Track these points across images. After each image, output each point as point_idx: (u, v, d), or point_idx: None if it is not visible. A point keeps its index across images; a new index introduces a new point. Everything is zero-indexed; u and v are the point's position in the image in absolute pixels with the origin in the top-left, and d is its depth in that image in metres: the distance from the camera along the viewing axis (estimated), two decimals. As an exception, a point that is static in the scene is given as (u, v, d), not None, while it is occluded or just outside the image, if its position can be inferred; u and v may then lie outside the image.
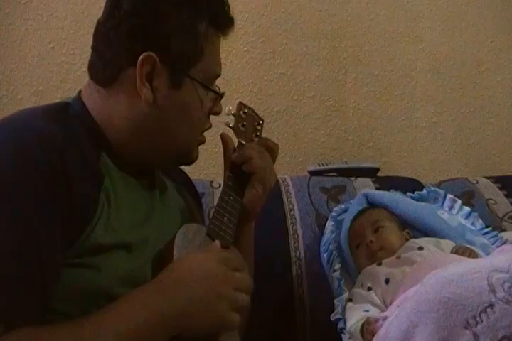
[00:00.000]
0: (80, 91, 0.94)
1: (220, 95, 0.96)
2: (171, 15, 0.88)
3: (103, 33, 0.90)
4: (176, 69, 0.89)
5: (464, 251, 1.17)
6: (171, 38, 0.88)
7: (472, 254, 1.16)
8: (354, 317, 1.12)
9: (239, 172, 1.03)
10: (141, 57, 0.86)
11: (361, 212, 1.31)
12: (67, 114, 0.89)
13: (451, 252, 1.17)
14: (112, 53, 0.89)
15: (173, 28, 0.88)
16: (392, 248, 1.19)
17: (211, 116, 0.99)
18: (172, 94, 0.90)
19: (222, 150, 1.08)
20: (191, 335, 0.81)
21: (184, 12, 0.89)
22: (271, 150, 1.06)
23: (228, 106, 1.06)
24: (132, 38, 0.88)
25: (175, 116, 0.91)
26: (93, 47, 0.92)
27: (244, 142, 1.05)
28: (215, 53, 0.95)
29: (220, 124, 1.07)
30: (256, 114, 1.10)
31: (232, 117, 1.06)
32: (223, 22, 0.94)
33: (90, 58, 0.93)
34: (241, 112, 1.07)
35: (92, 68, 0.92)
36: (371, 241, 1.21)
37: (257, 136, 1.09)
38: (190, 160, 0.99)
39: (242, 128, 1.06)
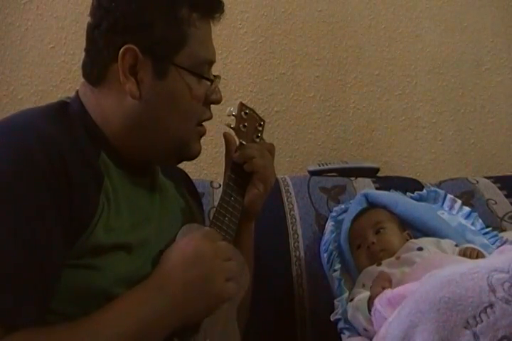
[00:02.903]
0: (77, 91, 0.94)
1: (210, 80, 0.94)
2: (147, 4, 0.88)
3: (89, 34, 0.91)
4: (158, 58, 0.88)
5: (471, 252, 1.16)
6: (150, 27, 0.87)
7: (480, 255, 1.15)
8: (361, 294, 1.13)
9: (240, 173, 1.03)
10: (121, 50, 0.86)
11: (361, 212, 1.30)
12: (67, 114, 0.89)
13: (459, 254, 1.16)
14: (96, 51, 0.90)
15: (151, 17, 0.87)
16: (393, 249, 1.19)
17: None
18: (157, 84, 0.88)
19: (222, 150, 1.08)
20: (197, 320, 0.83)
21: (161, 0, 0.88)
22: (269, 151, 1.06)
23: (229, 107, 1.06)
24: (112, 33, 0.87)
25: (164, 107, 0.90)
26: (85, 49, 0.93)
27: (245, 143, 1.05)
28: (202, 38, 0.92)
29: (221, 125, 1.07)
30: (257, 114, 1.10)
31: (233, 118, 1.06)
32: (206, 5, 0.92)
33: (83, 59, 0.93)
34: (242, 113, 1.07)
35: (83, 68, 0.93)
36: (373, 243, 1.21)
37: (258, 136, 1.09)
38: (192, 154, 0.97)
39: (243, 129, 1.06)
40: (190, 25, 0.90)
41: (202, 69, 0.93)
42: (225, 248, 0.89)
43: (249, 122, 1.07)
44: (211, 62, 0.95)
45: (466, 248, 1.19)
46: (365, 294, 1.11)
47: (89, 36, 0.91)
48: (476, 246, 1.21)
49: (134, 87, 0.87)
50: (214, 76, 0.97)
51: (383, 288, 1.04)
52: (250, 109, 1.09)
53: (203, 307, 0.83)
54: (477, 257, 1.14)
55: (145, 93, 0.88)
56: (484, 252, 1.18)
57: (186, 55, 0.89)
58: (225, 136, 1.06)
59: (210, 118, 0.97)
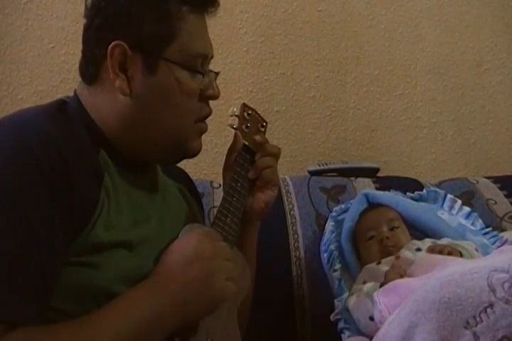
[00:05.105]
0: (75, 90, 0.95)
1: (201, 73, 0.92)
2: (135, 0, 0.88)
3: (84, 34, 0.92)
4: (148, 54, 0.88)
5: (441, 249, 1.14)
6: (138, 23, 0.87)
7: (454, 253, 1.13)
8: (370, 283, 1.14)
9: (243, 174, 1.03)
10: (109, 47, 0.86)
11: (371, 208, 1.30)
12: (65, 112, 0.89)
13: (427, 251, 1.15)
14: (89, 51, 0.90)
15: (139, 12, 0.87)
16: (401, 248, 1.18)
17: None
18: (147, 80, 0.88)
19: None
20: (197, 319, 0.83)
21: None
22: (274, 154, 1.06)
23: (232, 107, 1.06)
24: (102, 31, 0.88)
25: (156, 103, 0.89)
26: (81, 50, 0.93)
27: (247, 143, 1.05)
28: (194, 32, 0.91)
29: (221, 125, 1.07)
30: (259, 115, 1.10)
31: (235, 118, 1.06)
32: None
33: (80, 60, 0.94)
34: (245, 114, 1.07)
35: (79, 68, 0.94)
36: (387, 237, 1.20)
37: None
38: (192, 151, 0.95)
39: (245, 130, 1.06)
40: (180, 19, 0.89)
41: (194, 63, 0.91)
42: (225, 248, 0.89)
43: (251, 123, 1.07)
44: (205, 56, 0.94)
45: (436, 245, 1.17)
46: (375, 284, 1.12)
47: (84, 37, 0.92)
48: (451, 243, 1.18)
49: (124, 84, 0.87)
50: (212, 71, 0.96)
51: (401, 276, 1.05)
52: (253, 110, 1.09)
53: (202, 307, 0.83)
54: (449, 255, 1.12)
55: (135, 90, 0.88)
56: (464, 250, 1.15)
57: (177, 50, 0.89)
58: (236, 135, 1.06)
59: (209, 113, 0.96)
